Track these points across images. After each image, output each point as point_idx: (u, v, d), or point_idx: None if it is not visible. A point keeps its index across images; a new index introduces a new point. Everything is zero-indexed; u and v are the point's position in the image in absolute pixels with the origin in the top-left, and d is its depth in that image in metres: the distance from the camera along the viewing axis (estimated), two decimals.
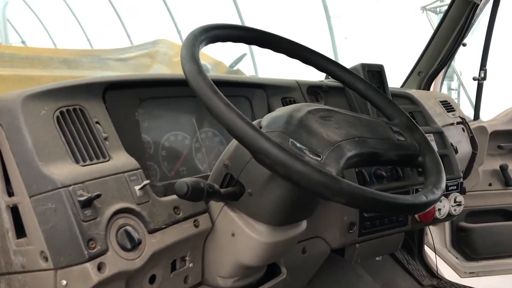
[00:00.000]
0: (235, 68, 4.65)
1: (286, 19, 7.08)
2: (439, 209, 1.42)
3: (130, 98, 0.95)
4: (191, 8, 8.38)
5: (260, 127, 0.83)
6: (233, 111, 0.69)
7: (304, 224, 0.93)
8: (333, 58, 1.05)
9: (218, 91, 0.71)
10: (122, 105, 0.93)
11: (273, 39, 0.97)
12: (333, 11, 6.78)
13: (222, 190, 0.80)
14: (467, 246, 2.34)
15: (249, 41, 0.95)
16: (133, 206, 0.80)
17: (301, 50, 1.00)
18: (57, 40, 11.64)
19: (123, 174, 0.81)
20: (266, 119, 0.85)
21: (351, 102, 1.39)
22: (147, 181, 0.81)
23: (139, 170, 0.84)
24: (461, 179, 1.51)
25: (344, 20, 6.66)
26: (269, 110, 1.20)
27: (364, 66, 1.38)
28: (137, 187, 0.81)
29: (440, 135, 1.55)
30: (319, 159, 0.75)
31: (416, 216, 1.36)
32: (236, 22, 7.82)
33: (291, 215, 0.85)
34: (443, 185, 0.82)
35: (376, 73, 1.41)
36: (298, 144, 0.76)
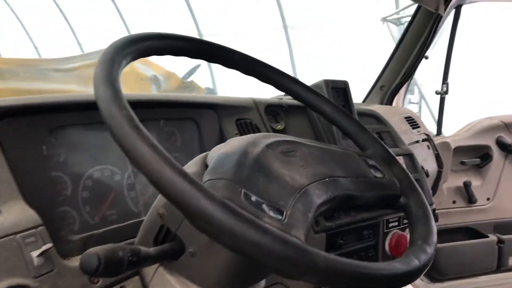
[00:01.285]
0: (188, 80, 4.44)
1: (243, 30, 6.96)
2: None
3: (35, 128, 0.75)
4: (145, 15, 8.09)
5: (206, 167, 0.65)
6: (159, 155, 0.49)
7: (262, 283, 0.75)
8: (291, 72, 0.88)
9: (139, 125, 0.51)
10: (23, 137, 0.73)
11: (223, 53, 0.80)
12: (290, 21, 6.72)
13: (154, 249, 0.61)
14: (431, 268, 2.25)
15: (193, 55, 0.76)
16: (28, 282, 0.59)
17: (257, 65, 0.83)
18: (1, 49, 10.99)
19: (14, 236, 0.60)
20: (213, 158, 0.66)
21: (314, 123, 1.24)
22: (48, 245, 0.61)
23: (41, 227, 0.64)
24: (434, 205, 1.40)
25: (303, 31, 6.61)
26: (222, 134, 1.03)
27: (327, 82, 1.23)
28: (34, 254, 0.60)
29: (410, 157, 1.43)
30: (281, 217, 0.57)
31: (388, 249, 1.22)
32: (193, 31, 7.62)
33: (244, 280, 0.68)
34: (435, 238, 0.67)
35: (340, 90, 1.27)
36: (253, 198, 0.57)
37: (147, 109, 0.91)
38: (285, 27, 6.82)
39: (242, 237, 0.46)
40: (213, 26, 7.49)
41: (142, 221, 0.73)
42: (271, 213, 0.57)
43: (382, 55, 2.24)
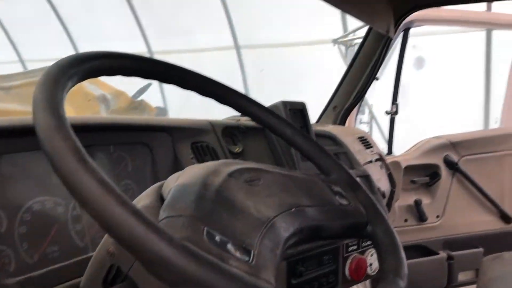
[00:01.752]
0: (139, 99, 4.32)
1: (195, 48, 6.92)
2: (371, 264, 1.27)
3: None
4: (93, 30, 7.86)
5: (162, 201, 0.59)
6: (110, 192, 0.43)
7: None
8: (243, 93, 0.85)
9: (87, 158, 0.44)
10: None
11: (179, 73, 0.75)
12: (243, 40, 6.76)
13: None
14: None
15: (146, 75, 0.71)
16: None
17: (215, 87, 0.79)
18: None
19: None
20: (169, 189, 0.60)
21: (272, 145, 1.21)
22: None
23: None
24: None
25: (257, 51, 6.66)
26: (176, 159, 0.97)
27: (285, 104, 1.21)
28: None
29: (366, 178, 1.43)
30: (248, 258, 0.51)
31: (348, 274, 1.19)
32: (143, 49, 7.49)
33: None
34: (406, 270, 0.65)
35: (298, 111, 1.25)
36: (217, 237, 0.51)
37: (96, 133, 0.84)
38: (237, 46, 6.85)
39: (208, 286, 0.40)
40: (163, 43, 7.40)
41: (89, 258, 0.65)
42: (238, 254, 0.51)
43: (335, 76, 2.27)
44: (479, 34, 5.08)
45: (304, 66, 5.75)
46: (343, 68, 2.20)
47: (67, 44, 8.33)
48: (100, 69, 0.61)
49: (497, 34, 5.10)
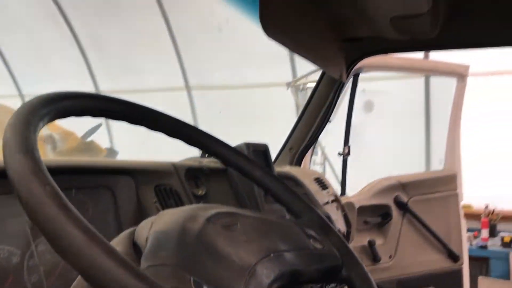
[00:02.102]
0: (88, 140, 4.18)
1: (145, 88, 6.86)
2: None
3: None
4: (39, 68, 7.63)
5: (136, 248, 0.56)
6: (94, 240, 0.41)
7: None
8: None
9: (68, 204, 0.42)
10: None
11: (149, 114, 0.74)
12: (195, 81, 6.80)
13: None
14: None
15: (116, 116, 0.70)
16: None
17: (185, 128, 0.78)
18: None
19: None
20: (144, 236, 0.57)
21: (235, 187, 1.20)
22: None
23: None
24: None
25: (209, 92, 6.70)
26: (139, 203, 0.93)
27: (248, 146, 1.22)
28: None
29: (328, 220, 1.43)
30: None
31: None
32: (90, 87, 7.34)
33: None
34: None
35: (260, 153, 1.26)
36: (204, 286, 0.49)
37: (57, 176, 0.79)
38: (187, 87, 6.87)
39: None
40: (112, 83, 7.30)
41: None
42: None
43: (290, 117, 2.32)
44: (419, 81, 5.41)
45: (258, 108, 5.85)
46: (297, 110, 2.26)
47: (9, 82, 8.02)
48: (73, 110, 0.59)
49: (434, 80, 5.46)
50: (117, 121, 0.72)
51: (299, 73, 5.71)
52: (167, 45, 6.71)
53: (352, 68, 2.02)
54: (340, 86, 2.08)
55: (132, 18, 6.66)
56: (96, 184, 0.87)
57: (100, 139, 5.25)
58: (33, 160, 0.43)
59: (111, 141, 7.32)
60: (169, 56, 6.71)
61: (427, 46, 2.03)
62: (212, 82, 6.55)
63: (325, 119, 2.15)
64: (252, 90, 6.19)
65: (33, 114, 0.50)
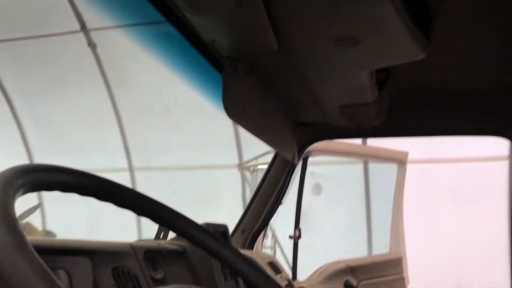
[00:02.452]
0: (24, 221, 3.89)
1: (87, 167, 6.63)
2: None
3: None
4: None
5: None
6: None
7: None
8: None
9: (56, 281, 0.38)
10: None
11: (116, 190, 0.72)
12: (139, 163, 6.69)
13: None
14: None
15: (86, 192, 0.67)
16: None
17: (154, 206, 0.76)
18: None
19: None
20: None
21: (194, 270, 1.15)
22: None
23: None
24: None
25: (154, 173, 6.59)
26: (96, 286, 0.87)
27: (209, 226, 1.19)
28: None
29: None
30: None
31: None
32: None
33: None
34: None
35: (220, 233, 1.23)
36: None
37: None
38: (130, 169, 6.74)
39: None
40: (50, 160, 7.00)
41: None
42: None
43: (240, 199, 2.32)
44: (359, 166, 5.67)
45: (205, 190, 5.80)
46: (243, 193, 2.27)
47: None
48: (45, 183, 0.57)
49: (373, 166, 5.74)
50: (85, 196, 0.70)
51: (245, 156, 5.81)
52: (112, 125, 6.65)
53: (303, 151, 2.09)
54: (292, 168, 2.13)
55: (77, 96, 6.61)
56: (53, 265, 0.80)
57: (34, 220, 4.93)
58: (15, 234, 0.40)
59: (43, 224, 6.88)
60: (113, 136, 6.63)
61: (372, 133, 2.16)
62: (159, 163, 6.48)
63: (278, 201, 2.16)
64: (199, 172, 6.18)
65: (9, 184, 0.47)
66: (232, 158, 5.71)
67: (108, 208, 0.79)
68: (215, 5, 0.99)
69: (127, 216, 0.94)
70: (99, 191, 0.69)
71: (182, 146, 6.31)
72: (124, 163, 6.76)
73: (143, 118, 6.81)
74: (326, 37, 1.16)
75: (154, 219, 0.76)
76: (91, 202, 0.76)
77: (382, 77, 1.63)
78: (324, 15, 1.07)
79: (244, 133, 6.34)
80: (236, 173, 4.70)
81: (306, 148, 2.09)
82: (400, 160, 2.86)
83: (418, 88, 1.80)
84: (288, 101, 1.72)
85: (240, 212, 2.24)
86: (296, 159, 2.03)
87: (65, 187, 0.64)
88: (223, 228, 1.25)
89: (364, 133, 2.21)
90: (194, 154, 6.27)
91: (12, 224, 0.41)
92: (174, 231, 0.79)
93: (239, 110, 1.41)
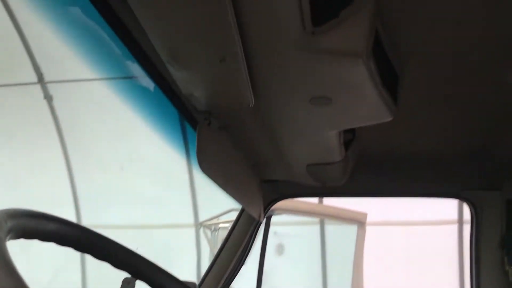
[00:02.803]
0: None
1: None
2: None
3: None
4: None
5: None
6: None
7: None
8: None
9: None
10: None
11: (100, 243, 0.69)
12: (87, 218, 6.41)
13: None
14: None
15: (67, 242, 0.64)
16: None
17: (135, 259, 0.73)
18: None
19: None
20: None
21: None
22: None
23: None
24: None
25: (108, 231, 6.30)
26: None
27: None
28: None
29: None
30: None
31: None
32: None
33: None
34: None
35: None
36: None
37: None
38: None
39: None
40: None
41: None
42: None
43: (192, 260, 2.25)
44: (316, 228, 5.69)
45: (160, 249, 5.59)
46: (198, 251, 2.21)
47: None
48: (29, 230, 0.54)
49: (329, 228, 5.77)
50: (63, 246, 0.66)
51: (201, 216, 5.71)
52: (63, 179, 6.41)
53: (269, 209, 2.09)
54: (257, 226, 2.11)
55: (29, 149, 6.38)
56: None
57: None
58: (16, 278, 0.37)
59: None
60: (64, 191, 6.38)
61: (336, 192, 2.20)
62: (110, 221, 6.23)
63: (241, 261, 2.11)
64: (154, 231, 5.99)
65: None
66: (188, 217, 5.59)
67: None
68: (200, 60, 1.01)
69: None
70: (80, 242, 0.66)
71: (136, 203, 6.14)
72: (72, 220, 6.45)
73: (96, 173, 6.62)
74: (302, 96, 1.20)
75: (133, 273, 0.72)
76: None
77: (348, 137, 1.69)
78: (302, 74, 1.11)
79: (200, 191, 6.27)
80: (192, 232, 4.59)
81: (272, 206, 2.09)
82: (360, 221, 2.90)
83: (381, 149, 1.88)
84: (258, 157, 1.74)
85: (195, 272, 2.17)
86: (262, 216, 2.02)
87: (50, 236, 0.60)
88: (192, 286, 1.20)
89: (329, 192, 2.25)
90: (149, 212, 6.10)
91: (11, 270, 0.37)
92: (151, 285, 0.75)
93: (211, 165, 1.40)
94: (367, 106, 1.26)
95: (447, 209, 5.26)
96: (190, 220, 5.45)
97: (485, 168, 1.84)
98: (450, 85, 1.41)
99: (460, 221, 5.49)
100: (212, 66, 1.01)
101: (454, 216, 5.46)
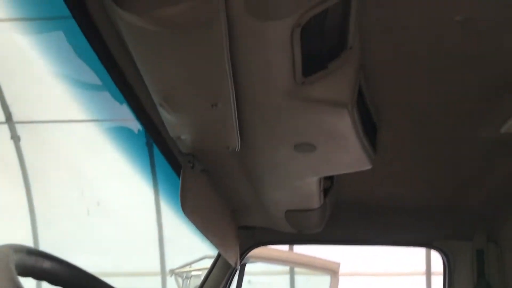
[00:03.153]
0: None
1: None
2: None
3: None
4: None
5: None
6: None
7: None
8: None
9: None
10: None
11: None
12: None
13: None
14: None
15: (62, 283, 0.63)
16: None
17: None
18: None
19: None
20: None
21: None
22: None
23: None
24: None
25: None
26: None
27: None
28: None
29: None
30: None
31: None
32: None
33: None
34: None
35: None
36: None
37: None
38: None
39: None
40: None
41: None
42: None
43: None
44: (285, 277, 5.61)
45: None
46: None
47: None
48: (28, 268, 0.53)
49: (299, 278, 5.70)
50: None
51: (168, 263, 5.55)
52: (25, 223, 6.15)
53: (245, 256, 2.07)
54: (233, 274, 2.08)
55: None
56: None
57: None
58: None
59: None
60: (26, 236, 6.10)
61: (313, 240, 2.20)
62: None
63: None
64: (120, 279, 5.74)
65: (8, 258, 0.44)
66: (155, 264, 5.42)
67: None
68: (192, 104, 1.03)
69: None
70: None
71: (101, 249, 5.92)
72: None
73: (60, 219, 6.39)
74: (287, 142, 1.24)
75: None
76: None
77: (327, 184, 1.72)
78: (289, 121, 1.15)
79: (168, 237, 6.11)
80: (158, 280, 4.43)
81: (248, 252, 2.08)
82: (333, 271, 2.90)
83: (358, 198, 1.92)
84: (237, 202, 1.74)
85: None
86: (238, 263, 1.99)
87: (45, 276, 0.59)
88: None
89: (305, 240, 2.25)
90: (115, 259, 5.88)
91: None
92: None
93: (194, 208, 1.40)
94: (349, 154, 1.31)
95: (415, 260, 5.31)
96: (157, 267, 5.28)
97: (457, 219, 1.90)
98: (425, 139, 1.48)
99: (428, 272, 5.54)
100: (203, 110, 1.03)
101: (423, 267, 5.51)
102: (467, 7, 0.94)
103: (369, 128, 1.29)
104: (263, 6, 0.79)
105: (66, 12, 0.90)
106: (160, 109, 1.06)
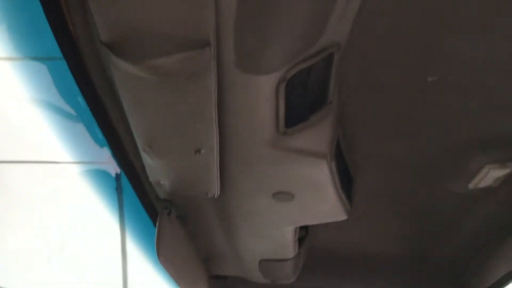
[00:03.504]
0: None
1: None
2: None
3: None
4: None
5: None
6: None
7: None
8: None
9: None
10: None
11: None
12: None
13: None
14: None
15: None
16: None
17: None
18: None
19: None
20: None
21: None
22: None
23: None
24: None
25: None
26: None
27: None
28: None
29: None
30: None
31: None
32: None
33: None
34: None
35: None
36: None
37: None
38: None
39: None
40: None
41: None
42: None
43: None
44: None
45: None
46: None
47: None
48: None
49: None
50: None
51: None
52: None
53: None
54: None
55: None
56: None
57: None
58: None
59: None
60: None
61: None
62: None
63: None
64: None
65: None
66: None
67: None
68: (176, 150, 1.05)
69: None
70: None
71: None
72: None
73: (19, 266, 6.06)
74: (266, 190, 1.26)
75: None
76: None
77: (301, 234, 1.73)
78: (269, 170, 1.17)
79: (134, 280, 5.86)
80: None
81: None
82: None
83: (331, 249, 1.92)
84: (211, 250, 1.72)
85: None
86: None
87: None
88: None
89: None
90: None
91: None
92: None
93: (169, 255, 1.38)
94: (326, 205, 1.33)
95: None
96: None
97: (429, 269, 1.93)
98: (398, 193, 1.53)
99: None
100: (187, 156, 1.05)
101: None
102: (440, 69, 1.01)
103: (345, 180, 1.33)
104: (252, 61, 0.83)
105: (58, 53, 0.91)
106: (143, 154, 1.07)
